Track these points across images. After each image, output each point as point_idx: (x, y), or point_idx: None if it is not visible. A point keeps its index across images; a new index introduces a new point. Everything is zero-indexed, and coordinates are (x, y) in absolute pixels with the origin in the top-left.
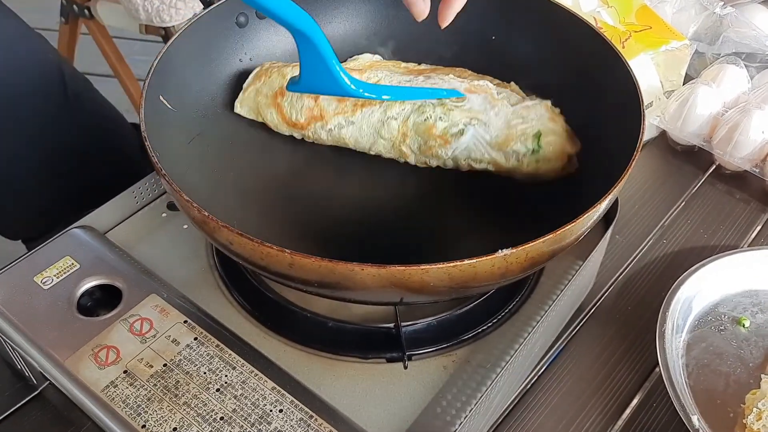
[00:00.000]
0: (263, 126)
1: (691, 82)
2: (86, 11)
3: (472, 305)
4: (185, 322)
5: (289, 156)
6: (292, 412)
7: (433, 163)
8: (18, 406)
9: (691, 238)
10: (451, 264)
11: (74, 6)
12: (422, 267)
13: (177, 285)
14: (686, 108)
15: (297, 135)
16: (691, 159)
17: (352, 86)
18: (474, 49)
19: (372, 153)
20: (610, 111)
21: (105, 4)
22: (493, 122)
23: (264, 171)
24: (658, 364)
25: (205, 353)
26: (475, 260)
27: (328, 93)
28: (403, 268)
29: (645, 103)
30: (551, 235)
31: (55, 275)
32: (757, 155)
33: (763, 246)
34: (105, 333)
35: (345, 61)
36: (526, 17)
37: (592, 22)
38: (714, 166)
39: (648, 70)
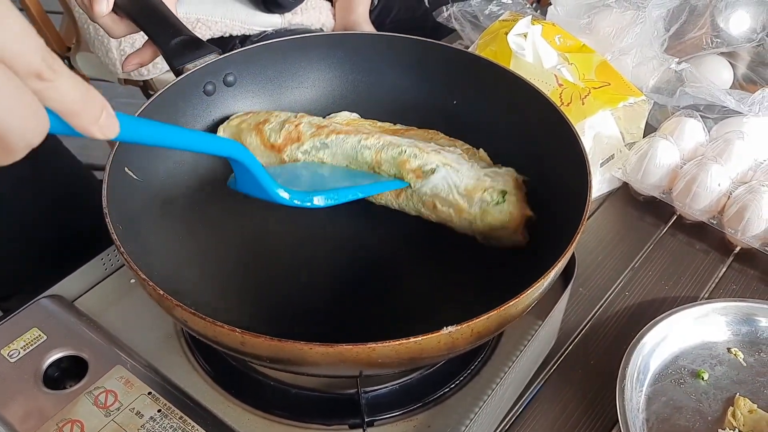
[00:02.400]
0: (232, 194)
1: (650, 135)
2: (66, 61)
3: (433, 369)
4: (149, 393)
5: (258, 221)
6: None
7: (401, 201)
8: None
9: (653, 290)
10: (397, 342)
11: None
12: (369, 345)
13: (143, 352)
14: (646, 161)
15: (274, 160)
16: (652, 209)
17: (286, 196)
18: (439, 112)
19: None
20: (561, 178)
21: (84, 54)
22: (464, 172)
23: (230, 239)
24: (618, 420)
25: (169, 426)
26: (420, 338)
27: (264, 198)
28: (350, 347)
29: (606, 156)
30: (495, 312)
31: (21, 347)
32: (715, 207)
33: (720, 299)
34: (70, 407)
35: (326, 116)
36: (480, 82)
37: (553, 79)
38: (675, 217)
39: (608, 124)
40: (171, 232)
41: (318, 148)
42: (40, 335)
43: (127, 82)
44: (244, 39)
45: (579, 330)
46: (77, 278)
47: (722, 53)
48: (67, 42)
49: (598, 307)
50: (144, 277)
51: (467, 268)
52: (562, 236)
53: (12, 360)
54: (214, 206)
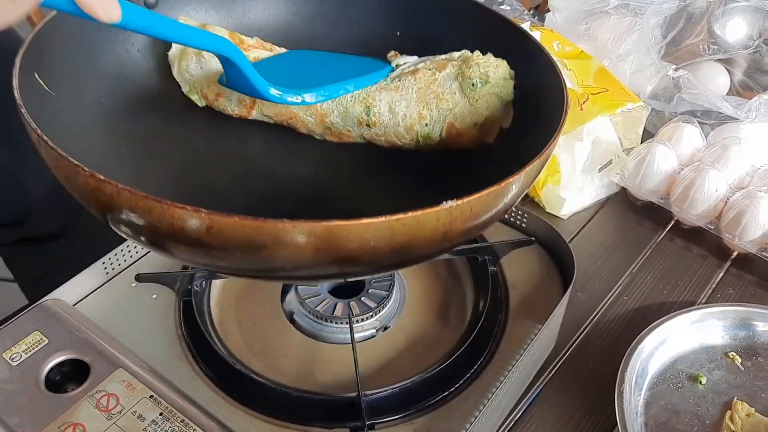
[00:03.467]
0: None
1: (648, 140)
2: None
3: (434, 371)
4: (151, 397)
5: (197, 128)
6: None
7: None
8: None
9: (651, 295)
10: (394, 217)
11: None
12: (362, 221)
13: (144, 356)
14: (644, 166)
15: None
16: (650, 215)
17: (276, 94)
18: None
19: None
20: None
21: None
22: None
23: (166, 142)
24: (617, 424)
25: (170, 429)
26: (419, 212)
27: (254, 96)
28: (341, 222)
29: (605, 161)
30: (495, 187)
31: (23, 351)
32: (712, 212)
33: (717, 303)
34: (71, 410)
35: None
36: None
37: None
38: (672, 222)
39: (607, 130)
40: (95, 137)
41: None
42: (41, 339)
43: None
44: None
45: (578, 334)
46: (78, 282)
47: (719, 60)
48: None
49: (596, 311)
50: (76, 162)
51: (441, 183)
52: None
53: (14, 363)
54: (144, 121)
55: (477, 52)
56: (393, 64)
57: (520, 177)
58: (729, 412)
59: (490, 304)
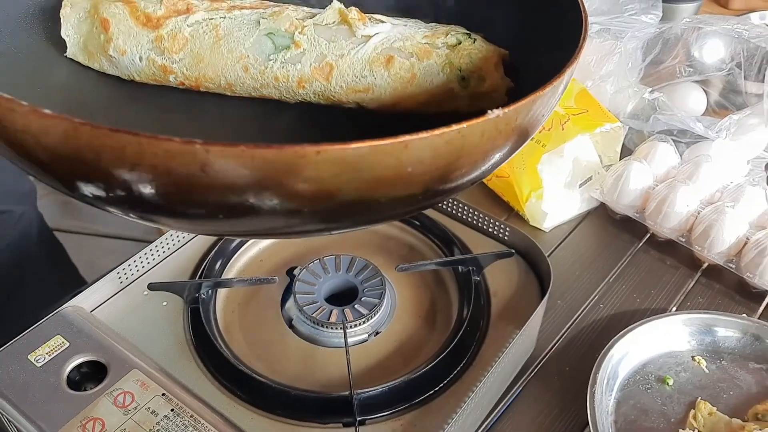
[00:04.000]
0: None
1: (625, 158)
2: None
3: (421, 372)
4: (163, 394)
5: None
6: None
7: (333, 85)
8: None
9: (626, 302)
10: (438, 132)
11: None
12: (401, 139)
13: (156, 358)
14: (621, 182)
15: (146, 40)
16: (627, 228)
17: None
18: None
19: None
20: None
21: None
22: (411, 25)
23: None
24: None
25: (181, 423)
26: (464, 125)
27: None
28: (379, 143)
29: (585, 177)
30: (538, 92)
31: (47, 353)
32: (684, 226)
33: (685, 311)
34: (91, 407)
35: None
36: None
37: None
38: (648, 235)
39: (587, 148)
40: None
41: (212, 20)
42: (63, 342)
43: None
44: None
45: (556, 340)
46: (96, 290)
47: (696, 81)
48: None
49: (574, 318)
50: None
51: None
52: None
53: (38, 365)
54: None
55: (467, 39)
56: (358, 34)
57: (558, 82)
58: (693, 411)
59: (473, 311)
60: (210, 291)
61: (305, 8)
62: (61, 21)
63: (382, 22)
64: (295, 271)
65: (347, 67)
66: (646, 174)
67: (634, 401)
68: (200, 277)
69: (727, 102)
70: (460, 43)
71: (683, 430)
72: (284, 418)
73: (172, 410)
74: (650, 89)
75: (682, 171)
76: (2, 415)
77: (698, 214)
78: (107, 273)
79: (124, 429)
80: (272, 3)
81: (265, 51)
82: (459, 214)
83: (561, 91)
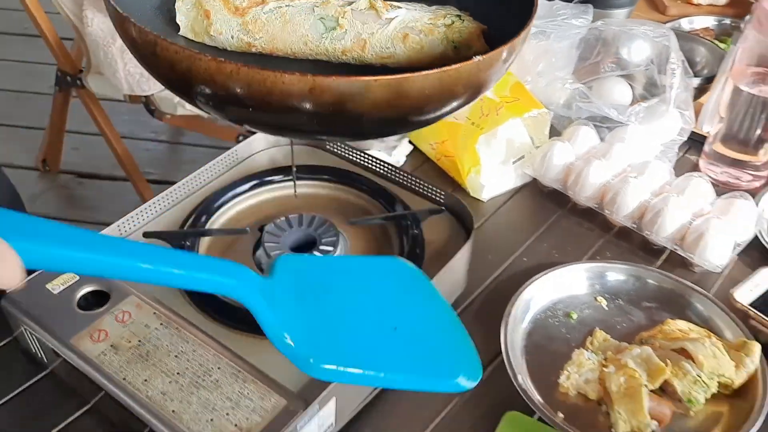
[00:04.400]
0: None
1: (552, 138)
2: (78, 81)
3: None
4: (154, 313)
5: None
6: (227, 368)
7: (366, 52)
8: (32, 381)
9: (546, 257)
10: (442, 69)
11: (68, 77)
12: (422, 73)
13: (149, 289)
14: (547, 159)
15: (235, 24)
16: (553, 198)
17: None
18: None
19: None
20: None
21: (94, 75)
22: (419, 9)
23: None
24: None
25: (168, 333)
26: (459, 65)
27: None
28: (408, 75)
29: (518, 156)
30: (507, 46)
31: (61, 284)
32: (598, 195)
33: (590, 260)
34: (98, 322)
35: None
36: None
37: None
38: (570, 204)
39: (519, 130)
40: None
41: (280, 8)
42: (74, 276)
43: (131, 99)
44: None
45: (485, 285)
46: None
47: (621, 76)
48: (77, 65)
49: (501, 269)
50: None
51: None
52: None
53: (55, 292)
54: None
55: (458, 20)
56: (383, 17)
57: (519, 39)
58: (590, 337)
59: (410, 255)
60: (194, 239)
61: None
62: (176, 11)
63: (399, 7)
64: (265, 227)
65: (376, 42)
66: (569, 152)
67: (543, 331)
68: (186, 227)
69: (648, 94)
70: (453, 23)
71: (578, 349)
72: (245, 332)
73: (161, 324)
74: (576, 82)
75: (597, 150)
76: (27, 330)
77: (610, 184)
78: (109, 225)
79: (123, 336)
80: None
81: (318, 31)
82: (404, 182)
83: (513, 54)
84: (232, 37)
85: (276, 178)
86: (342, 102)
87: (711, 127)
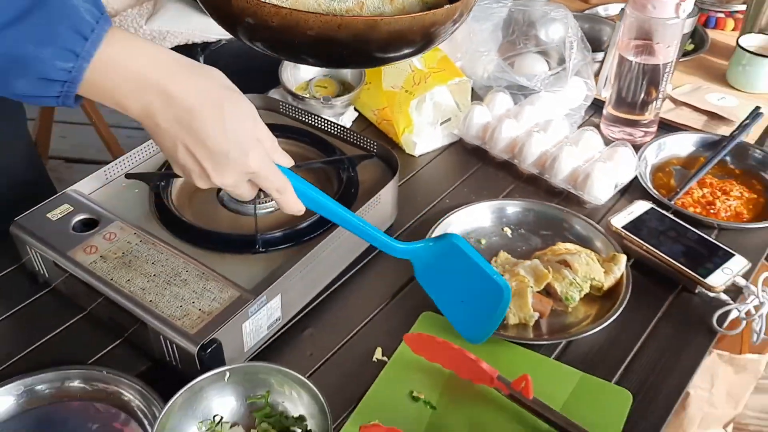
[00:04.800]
0: None
1: (473, 103)
2: None
3: (305, 225)
4: (134, 233)
5: None
6: (193, 271)
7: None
8: (36, 297)
9: (465, 199)
10: (425, 13)
11: None
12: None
13: (130, 219)
14: (468, 120)
15: None
16: (476, 154)
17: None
18: None
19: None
20: None
21: None
22: None
23: None
24: None
25: (145, 247)
26: (436, 10)
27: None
28: (426, 12)
29: (445, 118)
30: (458, 5)
31: (59, 213)
32: (510, 148)
33: (498, 199)
34: (89, 240)
35: None
36: None
37: (408, 67)
38: (488, 157)
39: (445, 96)
40: None
41: None
42: (68, 207)
43: None
44: (205, 46)
45: (414, 220)
46: (89, 181)
47: (538, 52)
48: None
49: (428, 207)
50: None
51: None
52: None
53: (54, 219)
54: None
55: None
56: None
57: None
58: (495, 257)
59: (345, 193)
60: (168, 180)
61: None
62: None
63: None
64: None
65: (371, 4)
66: (486, 114)
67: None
68: (163, 169)
69: (560, 68)
70: None
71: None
72: (209, 250)
73: (140, 241)
74: (498, 57)
75: (509, 112)
76: (33, 250)
77: (518, 138)
78: (97, 171)
79: (110, 250)
80: None
81: None
82: (343, 137)
83: (464, 14)
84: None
85: None
86: (359, 33)
87: (607, 93)
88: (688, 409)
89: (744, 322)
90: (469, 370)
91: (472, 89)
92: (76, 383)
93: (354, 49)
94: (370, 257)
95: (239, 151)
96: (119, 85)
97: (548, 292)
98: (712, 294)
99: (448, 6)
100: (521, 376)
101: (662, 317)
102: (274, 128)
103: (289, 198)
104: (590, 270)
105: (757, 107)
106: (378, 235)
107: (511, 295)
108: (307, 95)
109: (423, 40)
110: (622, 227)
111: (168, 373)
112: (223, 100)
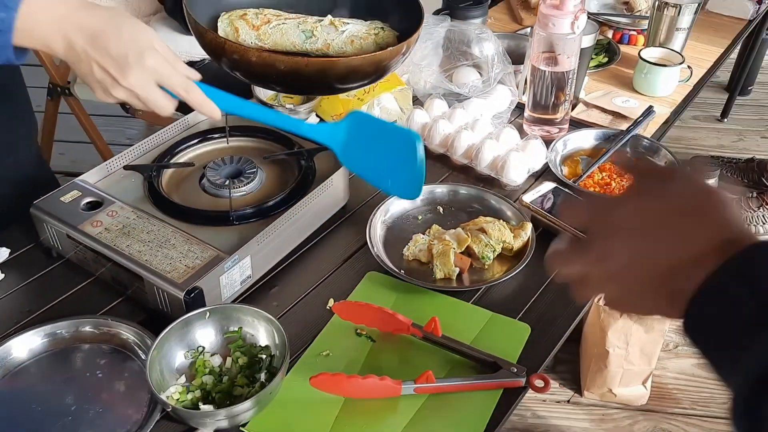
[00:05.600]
0: None
1: (414, 106)
2: (66, 90)
3: (273, 202)
4: (132, 211)
5: None
6: (180, 238)
7: (332, 49)
8: (50, 267)
9: None
10: (374, 54)
11: (58, 88)
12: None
13: (128, 201)
14: (410, 121)
15: (254, 35)
16: None
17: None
18: None
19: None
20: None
21: (80, 84)
22: (359, 25)
23: None
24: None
25: (141, 221)
26: (383, 51)
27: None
28: (374, 53)
29: (392, 120)
30: (403, 44)
31: (69, 197)
32: (444, 143)
33: (432, 184)
34: (95, 216)
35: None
36: None
37: None
38: (427, 152)
39: (390, 102)
40: None
41: (279, 24)
42: (78, 193)
43: None
44: (191, 64)
45: (362, 202)
46: (94, 173)
47: (471, 66)
48: (64, 75)
49: (374, 194)
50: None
51: None
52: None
53: (66, 202)
54: None
55: (381, 30)
56: (339, 30)
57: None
58: (428, 229)
59: (304, 180)
60: (159, 170)
61: (316, 17)
62: (218, 26)
63: (348, 23)
64: (207, 164)
65: (335, 44)
66: (425, 116)
67: (397, 227)
68: (157, 162)
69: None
70: (378, 33)
71: (416, 234)
72: (197, 224)
73: (137, 217)
74: (438, 70)
75: (446, 113)
76: (49, 227)
77: (450, 135)
78: (101, 164)
79: (112, 224)
80: (302, 15)
81: (301, 38)
82: None
83: (407, 50)
84: (251, 42)
85: (215, 135)
86: (323, 70)
87: (526, 97)
88: (610, 367)
89: None
90: (388, 324)
91: (415, 96)
92: (87, 329)
93: (318, 81)
94: (326, 232)
95: (136, 53)
96: (44, 28)
97: (469, 253)
98: None
99: (392, 48)
100: (431, 318)
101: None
102: (246, 129)
103: (197, 97)
104: (502, 235)
105: (650, 106)
106: (295, 121)
107: (422, 139)
108: (276, 104)
109: (376, 72)
110: (530, 202)
111: (160, 322)
112: (123, 20)
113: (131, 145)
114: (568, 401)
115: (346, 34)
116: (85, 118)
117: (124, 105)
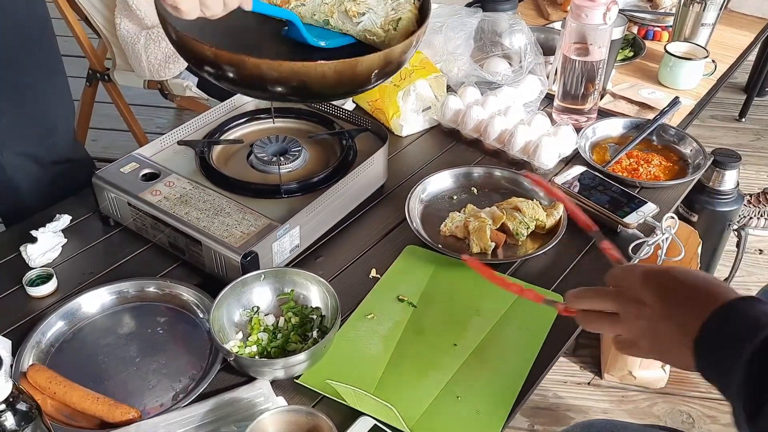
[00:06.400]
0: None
1: (448, 93)
2: (106, 76)
3: (318, 178)
4: (188, 182)
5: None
6: (235, 207)
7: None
8: (110, 234)
9: (439, 168)
10: (361, 58)
11: (97, 74)
12: (357, 59)
13: (183, 173)
14: (444, 107)
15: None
16: (451, 135)
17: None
18: None
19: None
20: None
21: (119, 71)
22: (380, 12)
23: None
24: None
25: (197, 192)
26: (369, 56)
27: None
28: (357, 59)
29: (426, 106)
30: (405, 42)
31: (128, 168)
32: (477, 129)
33: (466, 167)
34: (154, 186)
35: None
36: None
37: None
38: (461, 138)
39: (425, 88)
40: None
41: (297, 7)
42: (135, 165)
43: (149, 85)
44: None
45: (401, 181)
46: (148, 147)
47: (501, 56)
48: (102, 61)
49: (411, 173)
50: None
51: None
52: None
53: (125, 173)
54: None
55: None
56: (354, 21)
57: (404, 43)
58: (463, 209)
59: (345, 158)
60: (210, 146)
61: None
62: None
63: (364, 14)
64: (255, 141)
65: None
66: (459, 103)
67: (434, 206)
68: (208, 138)
69: (518, 67)
70: (399, 20)
71: (452, 212)
72: (249, 197)
73: (193, 187)
74: (470, 60)
75: (479, 100)
76: (109, 195)
77: (483, 121)
78: (155, 139)
79: (171, 193)
80: None
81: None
82: (345, 117)
83: (418, 41)
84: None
85: (262, 115)
86: (339, 73)
87: (556, 87)
88: None
89: (651, 249)
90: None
91: (448, 85)
92: (151, 289)
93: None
94: (366, 209)
95: None
96: None
97: (504, 231)
98: (629, 231)
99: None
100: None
101: (590, 249)
102: (291, 111)
103: None
104: (536, 213)
105: (676, 97)
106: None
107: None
108: None
109: (386, 68)
110: (562, 184)
111: (215, 285)
112: None
113: (160, 134)
114: (589, 383)
115: (360, 27)
116: (123, 105)
117: (162, 91)
